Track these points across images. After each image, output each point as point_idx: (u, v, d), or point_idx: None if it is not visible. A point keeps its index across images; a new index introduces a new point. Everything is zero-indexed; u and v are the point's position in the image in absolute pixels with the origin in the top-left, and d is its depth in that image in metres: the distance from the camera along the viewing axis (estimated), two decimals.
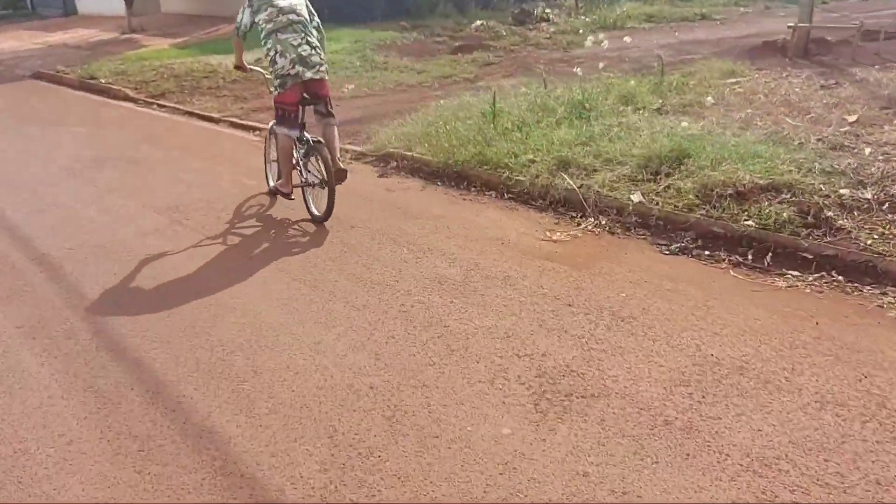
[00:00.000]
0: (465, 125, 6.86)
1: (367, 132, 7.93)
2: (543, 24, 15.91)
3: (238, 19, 5.30)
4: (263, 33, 5.13)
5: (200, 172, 6.97)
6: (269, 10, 5.10)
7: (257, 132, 8.49)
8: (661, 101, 7.52)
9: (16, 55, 16.19)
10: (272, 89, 5.22)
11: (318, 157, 5.13)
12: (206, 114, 9.42)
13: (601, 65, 9.71)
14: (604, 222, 5.06)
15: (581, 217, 5.22)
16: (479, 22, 15.91)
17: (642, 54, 11.40)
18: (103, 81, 11.89)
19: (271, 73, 5.13)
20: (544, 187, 5.57)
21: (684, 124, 6.34)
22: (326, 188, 5.10)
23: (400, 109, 8.94)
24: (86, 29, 20.41)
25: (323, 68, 5.18)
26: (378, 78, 11.14)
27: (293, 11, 5.14)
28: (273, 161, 5.73)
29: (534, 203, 5.59)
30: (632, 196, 5.12)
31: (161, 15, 22.77)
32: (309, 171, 5.34)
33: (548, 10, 16.77)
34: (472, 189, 6.05)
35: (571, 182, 5.47)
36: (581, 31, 14.73)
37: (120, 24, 18.88)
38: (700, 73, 8.96)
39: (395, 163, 6.85)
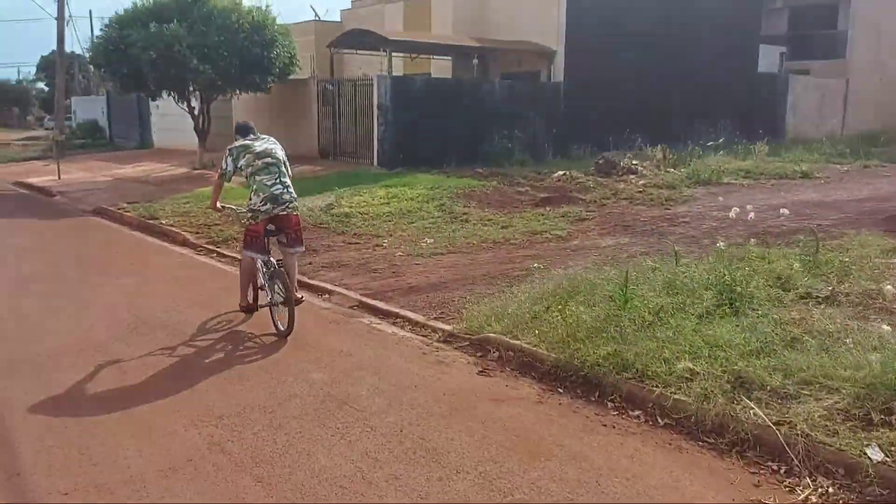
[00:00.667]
0: (589, 309, 5.43)
1: (456, 303, 6.61)
2: (631, 176, 14.86)
3: (223, 166, 6.02)
4: (244, 175, 5.97)
5: (259, 367, 5.63)
6: (247, 156, 5.93)
7: (325, 295, 7.25)
8: (827, 286, 6.01)
9: (83, 188, 15.87)
10: (244, 221, 6.13)
11: (282, 281, 5.79)
12: None
13: (707, 227, 8.31)
14: (830, 490, 3.42)
15: (788, 473, 3.60)
16: (560, 172, 14.98)
17: (758, 217, 10.03)
18: (164, 223, 11.09)
19: (247, 207, 5.96)
20: (719, 416, 4.01)
21: (885, 328, 4.78)
22: (288, 306, 5.72)
23: (489, 273, 7.67)
24: (158, 163, 20.41)
25: (293, 205, 6.06)
26: (459, 232, 10.01)
27: (268, 155, 5.98)
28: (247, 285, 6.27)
29: (706, 440, 4.00)
30: (867, 450, 3.51)
31: None
32: (275, 292, 5.87)
33: (635, 162, 15.79)
34: (609, 403, 4.52)
35: (762, 414, 3.90)
36: (676, 186, 13.56)
37: (192, 160, 18.71)
38: (852, 248, 7.49)
39: (496, 352, 5.42)
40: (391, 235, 10.02)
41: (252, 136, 6.10)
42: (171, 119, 23.59)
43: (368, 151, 17.33)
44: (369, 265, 8.36)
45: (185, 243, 10.01)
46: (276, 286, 5.87)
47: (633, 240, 9.63)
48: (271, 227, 6.01)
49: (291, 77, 18.96)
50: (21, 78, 67.37)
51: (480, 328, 5.73)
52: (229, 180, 6.14)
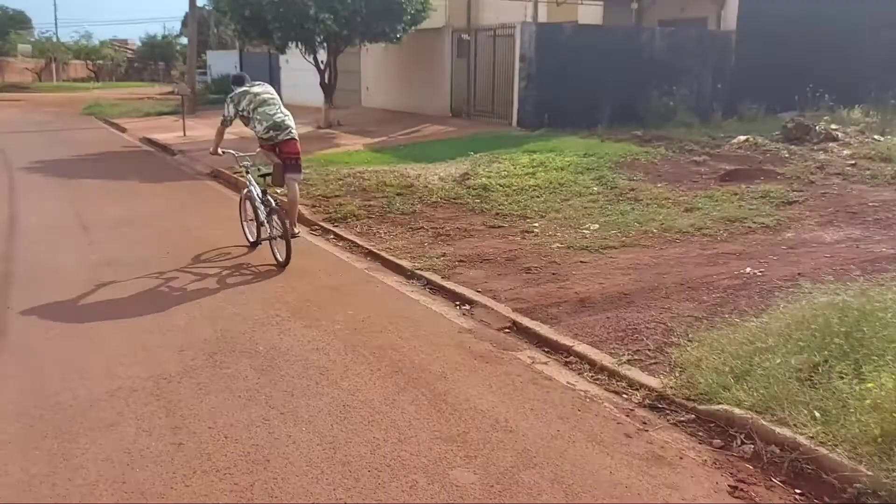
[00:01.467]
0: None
1: (651, 331, 4.61)
2: (831, 143, 11.96)
3: (224, 112, 6.67)
4: (247, 114, 6.58)
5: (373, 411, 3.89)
6: (248, 97, 6.61)
7: (466, 306, 5.43)
8: None
9: (205, 146, 14.88)
10: (241, 165, 6.77)
11: (279, 217, 6.25)
12: (394, 259, 6.60)
13: None
14: None
15: None
16: (741, 137, 12.29)
17: None
18: (278, 192, 9.61)
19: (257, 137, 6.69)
20: None
21: None
22: (285, 239, 6.21)
23: (686, 280, 5.61)
24: None
25: (293, 130, 6.66)
26: (630, 216, 7.89)
27: (267, 93, 6.73)
28: (249, 220, 6.97)
29: None
30: None
31: (362, 109, 21.43)
32: (273, 227, 6.38)
33: (834, 126, 12.79)
34: None
35: None
36: (894, 157, 10.63)
37: (318, 118, 17.41)
38: None
39: (746, 443, 3.37)
40: (542, 217, 8.06)
41: (248, 83, 6.76)
42: (298, 74, 22.46)
43: (507, 110, 15.29)
44: (519, 261, 6.47)
45: (300, 220, 8.48)
46: (274, 222, 6.34)
47: (868, 233, 7.19)
48: (279, 152, 6.59)
49: (423, 26, 17.07)
50: (166, 33, 69.64)
51: (710, 392, 3.70)
52: (230, 125, 6.76)
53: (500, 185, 9.40)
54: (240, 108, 6.59)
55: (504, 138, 13.13)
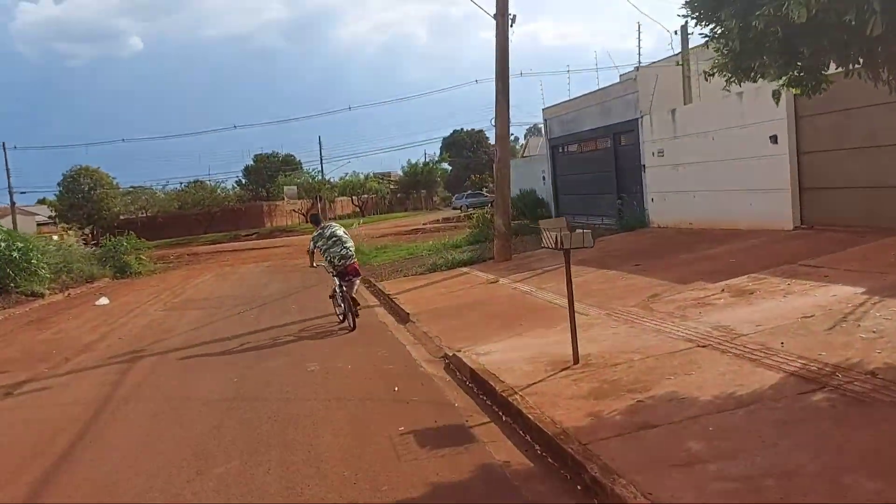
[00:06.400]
0: None
1: None
2: None
3: (310, 247, 10.35)
4: (321, 250, 10.17)
5: None
6: (322, 241, 10.13)
7: None
8: None
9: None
10: (328, 271, 10.31)
11: (345, 299, 9.98)
12: None
13: None
14: None
15: None
16: None
17: None
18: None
19: (328, 266, 10.25)
20: None
21: None
22: (351, 313, 9.93)
23: None
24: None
25: (352, 256, 10.20)
26: None
27: (335, 236, 10.10)
28: (337, 305, 10.41)
29: None
30: None
31: None
32: (344, 305, 10.14)
33: None
34: None
35: None
36: None
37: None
38: None
39: None
40: None
41: (321, 224, 10.67)
42: (695, 167, 12.99)
43: None
44: None
45: None
46: (345, 303, 10.04)
47: None
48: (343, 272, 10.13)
49: None
50: (427, 160, 66.52)
51: None
52: (313, 254, 10.38)
53: None
54: (318, 245, 10.22)
55: None
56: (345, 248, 9.92)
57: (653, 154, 15.79)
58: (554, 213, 21.32)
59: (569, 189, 20.77)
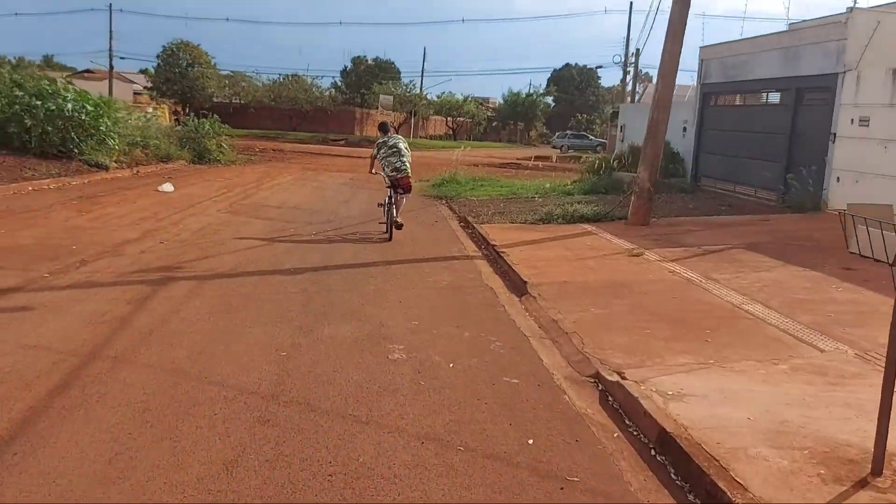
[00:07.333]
0: None
1: None
2: None
3: (373, 153, 10.82)
4: (382, 157, 10.55)
5: None
6: (384, 149, 10.48)
7: None
8: None
9: None
10: (385, 182, 10.59)
11: (389, 213, 10.47)
12: None
13: None
14: None
15: None
16: None
17: None
18: None
19: (385, 176, 10.61)
20: None
21: None
22: (391, 225, 10.44)
23: None
24: None
25: (406, 170, 10.40)
26: None
27: (396, 147, 10.43)
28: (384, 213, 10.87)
29: None
30: None
31: None
32: (387, 218, 10.61)
33: None
34: None
35: None
36: None
37: None
38: None
39: None
40: None
41: (388, 133, 10.80)
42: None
43: None
44: None
45: None
46: (391, 213, 10.39)
47: None
48: (397, 183, 10.42)
49: None
50: (531, 91, 62.41)
51: None
52: (375, 158, 10.84)
53: None
54: (379, 153, 10.57)
55: None
56: (401, 160, 10.32)
57: (851, 121, 12.28)
58: (690, 172, 17.99)
59: (715, 147, 17.29)
